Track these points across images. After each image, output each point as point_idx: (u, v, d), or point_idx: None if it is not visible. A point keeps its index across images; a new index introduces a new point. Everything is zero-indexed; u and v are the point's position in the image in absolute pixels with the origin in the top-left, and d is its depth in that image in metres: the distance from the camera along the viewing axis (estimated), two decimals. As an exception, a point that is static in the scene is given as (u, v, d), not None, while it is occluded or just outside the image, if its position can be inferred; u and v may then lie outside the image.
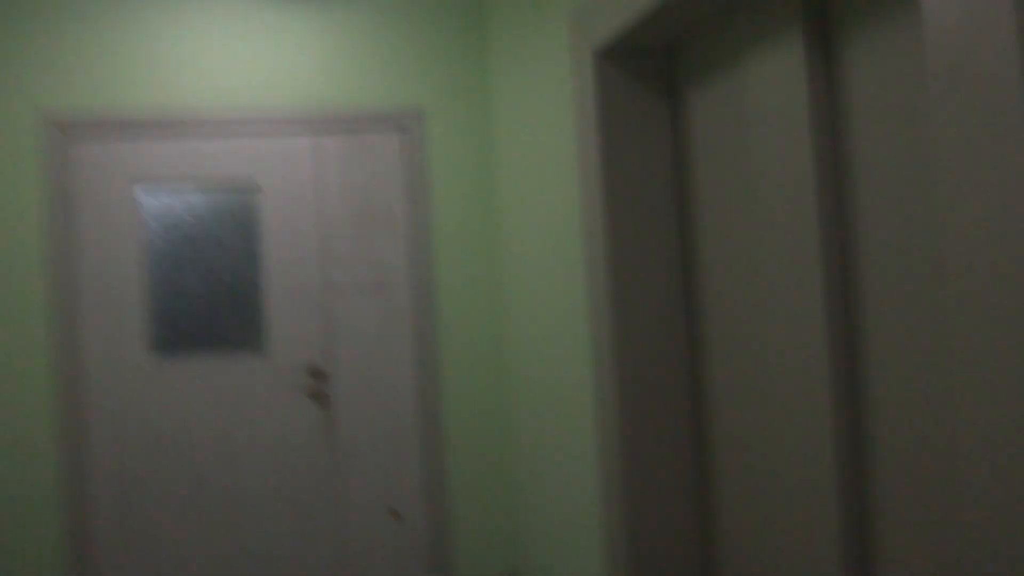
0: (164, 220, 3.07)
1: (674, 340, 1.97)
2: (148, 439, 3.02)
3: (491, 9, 3.16)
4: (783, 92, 1.53)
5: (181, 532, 3.03)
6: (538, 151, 2.61)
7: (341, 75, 3.17)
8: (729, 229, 1.77)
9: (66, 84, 3.00)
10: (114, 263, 3.03)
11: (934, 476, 1.29)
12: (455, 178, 3.26)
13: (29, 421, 2.94)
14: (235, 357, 3.08)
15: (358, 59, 3.18)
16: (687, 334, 1.97)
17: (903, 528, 1.36)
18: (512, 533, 3.23)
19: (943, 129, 1.04)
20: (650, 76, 1.97)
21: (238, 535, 3.05)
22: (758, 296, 1.67)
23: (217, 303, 3.08)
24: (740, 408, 1.78)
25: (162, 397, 3.03)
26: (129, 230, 3.04)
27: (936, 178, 1.23)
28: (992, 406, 0.99)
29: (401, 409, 3.19)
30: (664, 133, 1.96)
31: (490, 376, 3.27)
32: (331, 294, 3.16)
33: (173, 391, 3.03)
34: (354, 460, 3.18)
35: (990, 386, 1.01)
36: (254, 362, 3.09)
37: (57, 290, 2.96)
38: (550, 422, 2.68)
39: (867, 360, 1.41)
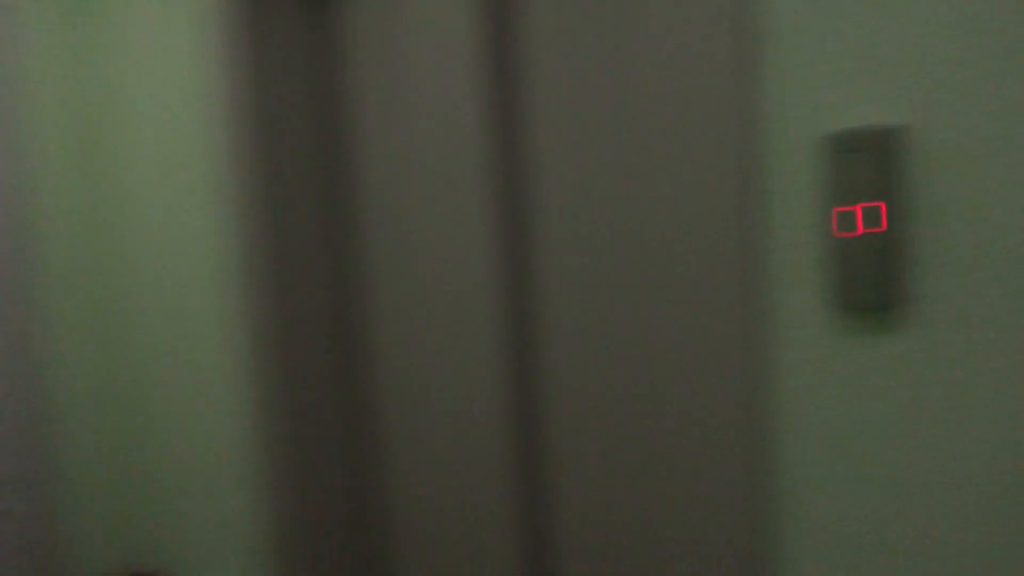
0: None
1: (333, 305, 1.76)
2: None
3: None
4: (449, 5, 1.34)
5: None
6: (166, 72, 2.23)
7: None
8: (390, 163, 1.59)
9: None
10: None
11: (609, 471, 1.20)
12: (54, 85, 2.53)
13: None
14: None
15: None
16: (347, 293, 1.76)
17: (578, 522, 1.28)
18: (149, 528, 2.75)
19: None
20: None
21: None
22: (428, 251, 1.50)
23: None
24: (409, 379, 1.63)
25: None
26: None
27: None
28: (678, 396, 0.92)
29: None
30: (315, 53, 1.70)
31: (112, 340, 2.62)
32: None
33: None
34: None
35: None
36: None
37: None
38: (191, 401, 2.36)
39: (541, 309, 1.29)
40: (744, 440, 0.86)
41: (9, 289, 2.42)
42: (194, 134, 2.09)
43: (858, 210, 0.76)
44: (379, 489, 1.73)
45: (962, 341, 0.74)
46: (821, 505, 0.83)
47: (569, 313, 1.24)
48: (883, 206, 0.75)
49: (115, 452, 2.64)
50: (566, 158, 1.21)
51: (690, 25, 0.87)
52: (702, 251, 0.88)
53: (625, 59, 1.09)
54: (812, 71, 0.80)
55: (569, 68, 1.19)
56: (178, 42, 2.14)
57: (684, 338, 0.90)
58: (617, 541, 1.21)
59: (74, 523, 2.59)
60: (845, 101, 0.78)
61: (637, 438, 1.15)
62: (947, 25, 0.73)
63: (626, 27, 1.08)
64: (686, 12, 0.87)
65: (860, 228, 0.76)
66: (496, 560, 1.43)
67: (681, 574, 0.97)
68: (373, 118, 1.62)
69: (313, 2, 1.68)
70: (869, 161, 0.75)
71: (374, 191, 1.64)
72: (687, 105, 0.88)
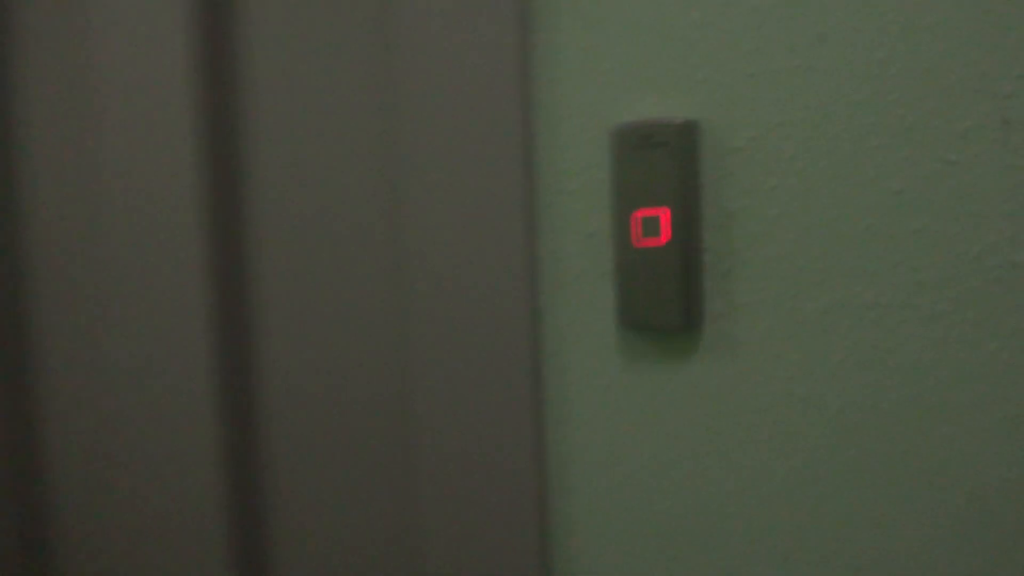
0: None
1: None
2: None
3: None
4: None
5: None
6: None
7: None
8: (79, 162, 1.41)
9: None
10: None
11: (350, 491, 1.10)
12: None
13: None
14: None
15: None
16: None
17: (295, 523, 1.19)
18: None
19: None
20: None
21: None
22: (124, 249, 1.35)
23: None
24: (100, 376, 1.48)
25: None
26: None
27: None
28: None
29: None
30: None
31: None
32: None
33: None
34: None
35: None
36: None
37: None
38: None
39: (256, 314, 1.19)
40: (517, 474, 0.75)
41: None
42: None
43: (645, 217, 0.66)
44: (53, 495, 1.54)
45: (766, 365, 0.65)
46: (607, 542, 0.72)
47: (301, 321, 1.10)
48: (677, 212, 0.65)
49: None
50: (303, 153, 1.07)
51: (455, 4, 0.74)
52: (469, 259, 0.75)
53: (378, 41, 0.95)
54: (598, 56, 0.68)
55: (304, 54, 1.04)
56: None
57: (448, 355, 0.77)
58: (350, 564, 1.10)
59: None
60: (636, 92, 0.67)
61: (390, 461, 1.02)
62: (748, 12, 0.63)
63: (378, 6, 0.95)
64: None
65: (650, 238, 0.66)
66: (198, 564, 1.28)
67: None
68: (52, 116, 1.39)
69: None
70: (664, 160, 0.65)
71: (57, 191, 1.42)
72: (451, 93, 0.75)
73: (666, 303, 0.66)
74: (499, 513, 0.75)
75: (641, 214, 0.66)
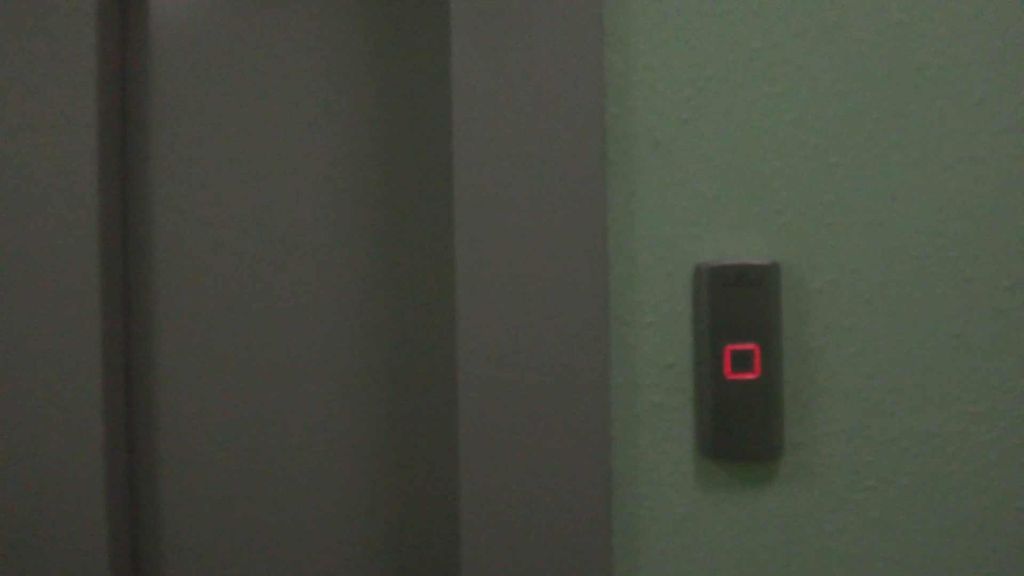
0: None
1: None
2: None
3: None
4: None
5: None
6: None
7: None
8: None
9: None
10: None
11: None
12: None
13: None
14: None
15: None
16: None
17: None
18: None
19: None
20: None
21: None
22: None
23: None
24: None
25: None
26: None
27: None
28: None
29: None
30: None
31: None
32: None
33: None
34: None
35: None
36: None
37: None
38: None
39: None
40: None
41: None
42: None
43: (737, 351, 0.69)
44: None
45: (842, 490, 0.70)
46: None
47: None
48: (766, 347, 0.69)
49: None
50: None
51: (540, 144, 0.72)
52: (545, 388, 0.72)
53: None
54: (680, 199, 0.71)
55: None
56: None
57: (517, 477, 0.73)
58: None
59: None
60: (716, 231, 0.71)
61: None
62: (827, 167, 0.70)
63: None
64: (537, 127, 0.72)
65: (741, 372, 0.69)
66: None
67: None
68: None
69: None
70: (755, 298, 0.69)
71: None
72: (537, 233, 0.73)
73: (753, 433, 0.69)
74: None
75: (733, 348, 0.68)
